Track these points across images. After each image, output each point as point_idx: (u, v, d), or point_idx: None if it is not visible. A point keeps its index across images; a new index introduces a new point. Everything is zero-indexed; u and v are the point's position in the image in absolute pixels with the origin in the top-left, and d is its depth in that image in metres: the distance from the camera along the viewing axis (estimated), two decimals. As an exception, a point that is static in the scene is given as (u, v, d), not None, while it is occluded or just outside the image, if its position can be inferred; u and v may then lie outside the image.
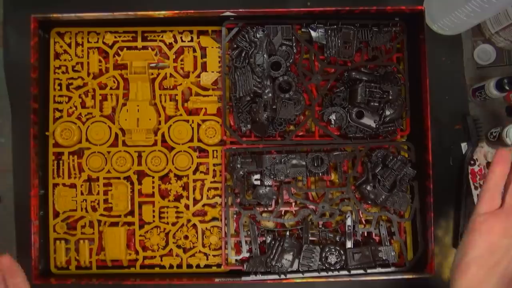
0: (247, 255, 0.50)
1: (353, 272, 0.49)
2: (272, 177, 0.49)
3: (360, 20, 0.50)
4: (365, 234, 0.51)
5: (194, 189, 0.51)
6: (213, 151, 0.51)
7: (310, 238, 0.50)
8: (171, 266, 0.51)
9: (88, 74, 0.52)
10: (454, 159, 0.56)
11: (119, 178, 0.51)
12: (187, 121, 0.51)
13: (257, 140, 0.50)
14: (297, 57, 0.51)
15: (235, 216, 0.51)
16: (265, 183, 0.49)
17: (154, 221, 0.51)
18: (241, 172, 0.49)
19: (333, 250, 0.49)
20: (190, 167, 0.51)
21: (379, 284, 0.54)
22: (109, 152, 0.51)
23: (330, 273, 0.49)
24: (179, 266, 0.51)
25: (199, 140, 0.52)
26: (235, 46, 0.50)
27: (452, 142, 0.56)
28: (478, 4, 0.46)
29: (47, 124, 0.51)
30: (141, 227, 0.51)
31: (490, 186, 0.38)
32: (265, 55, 0.48)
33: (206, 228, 0.51)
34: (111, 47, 0.52)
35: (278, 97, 0.48)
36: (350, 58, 0.50)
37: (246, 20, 0.50)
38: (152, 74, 0.52)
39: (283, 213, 0.51)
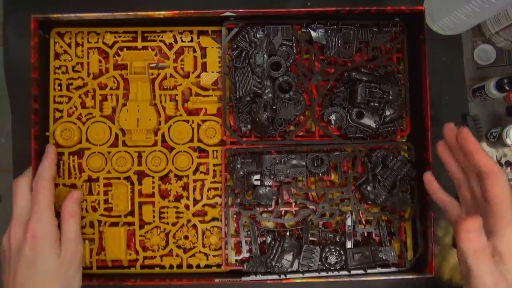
0: (247, 255, 0.50)
1: (353, 272, 0.49)
2: (272, 177, 0.49)
3: (360, 20, 0.50)
4: (365, 234, 0.51)
5: (194, 189, 0.51)
6: (213, 151, 0.51)
7: (310, 238, 0.50)
8: (171, 266, 0.51)
9: (88, 75, 0.52)
10: (454, 159, 0.56)
11: (119, 178, 0.51)
12: (187, 121, 0.51)
13: (257, 140, 0.50)
14: (297, 57, 0.51)
15: (235, 216, 0.51)
16: (265, 183, 0.49)
17: (154, 221, 0.51)
18: (241, 173, 0.49)
19: (333, 250, 0.49)
20: (190, 167, 0.51)
21: (379, 284, 0.54)
22: (109, 153, 0.51)
23: (330, 273, 0.49)
24: (179, 266, 0.51)
25: (199, 140, 0.52)
26: (235, 46, 0.50)
27: (452, 142, 0.56)
28: (478, 4, 0.46)
29: (47, 124, 0.51)
30: (141, 227, 0.51)
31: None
32: (265, 55, 0.48)
33: (206, 228, 0.51)
34: (111, 47, 0.52)
35: (278, 97, 0.48)
36: (350, 58, 0.50)
37: (246, 20, 0.50)
38: (152, 74, 0.52)
39: (283, 213, 0.51)
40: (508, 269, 0.36)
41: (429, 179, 0.45)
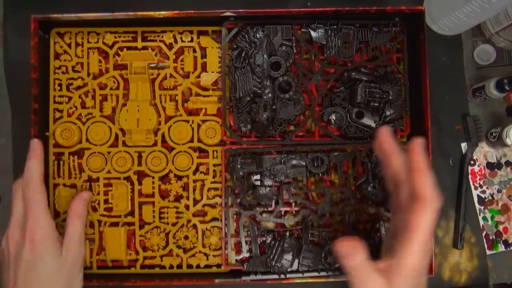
0: (247, 255, 0.50)
1: (353, 272, 0.49)
2: (272, 177, 0.49)
3: (360, 20, 0.50)
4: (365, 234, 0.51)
5: (194, 190, 0.51)
6: (213, 151, 0.51)
7: (310, 238, 0.50)
8: (171, 266, 0.51)
9: (88, 75, 0.52)
10: (454, 159, 0.56)
11: (119, 178, 0.51)
12: (187, 121, 0.51)
13: (257, 140, 0.50)
14: (297, 57, 0.51)
15: (235, 216, 0.51)
16: (265, 183, 0.49)
17: (154, 221, 0.51)
18: (241, 173, 0.49)
19: (333, 250, 0.49)
20: (190, 167, 0.51)
21: (379, 284, 0.54)
22: (109, 153, 0.51)
23: (330, 273, 0.49)
24: (179, 266, 0.51)
25: (199, 141, 0.52)
26: (235, 46, 0.50)
27: (452, 142, 0.56)
28: (478, 5, 0.46)
29: (47, 125, 0.51)
30: (141, 227, 0.51)
31: None
32: (265, 56, 0.48)
33: (206, 228, 0.51)
34: (111, 47, 0.52)
35: (278, 97, 0.48)
36: (350, 58, 0.50)
37: (246, 21, 0.50)
38: (152, 74, 0.52)
39: (283, 213, 0.51)
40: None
41: (385, 137, 0.38)
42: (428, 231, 0.35)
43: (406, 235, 0.35)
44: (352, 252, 0.36)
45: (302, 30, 0.50)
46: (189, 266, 0.51)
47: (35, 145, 0.46)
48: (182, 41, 0.52)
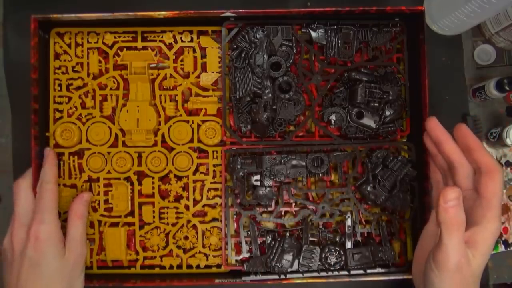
0: (247, 255, 0.50)
1: (353, 272, 0.49)
2: (272, 177, 0.49)
3: (360, 20, 0.50)
4: (365, 235, 0.51)
5: (194, 190, 0.51)
6: (213, 151, 0.51)
7: (310, 239, 0.50)
8: (171, 267, 0.51)
9: (88, 75, 0.52)
10: (454, 159, 0.56)
11: (119, 178, 0.51)
12: (187, 121, 0.51)
13: (257, 140, 0.50)
14: (297, 58, 0.51)
15: (235, 216, 0.51)
16: (265, 183, 0.49)
17: (154, 221, 0.51)
18: (241, 173, 0.49)
19: (333, 250, 0.49)
20: (190, 167, 0.51)
21: (379, 284, 0.54)
22: (109, 153, 0.51)
23: (330, 274, 0.49)
24: (179, 266, 0.51)
25: (199, 141, 0.52)
26: (235, 46, 0.50)
27: (452, 142, 0.56)
28: (478, 4, 0.46)
29: (47, 125, 0.51)
30: (141, 227, 0.51)
31: None
32: (265, 56, 0.48)
33: (206, 228, 0.51)
34: (111, 47, 0.51)
35: (278, 98, 0.48)
36: (350, 58, 0.50)
37: (246, 21, 0.49)
38: (152, 74, 0.52)
39: (283, 213, 0.51)
40: (475, 255, 0.38)
41: (435, 125, 0.43)
42: (500, 197, 0.38)
43: (485, 204, 0.38)
44: (455, 203, 0.38)
45: (302, 30, 0.50)
46: (189, 266, 0.51)
47: (47, 152, 0.48)
48: (182, 41, 0.52)
